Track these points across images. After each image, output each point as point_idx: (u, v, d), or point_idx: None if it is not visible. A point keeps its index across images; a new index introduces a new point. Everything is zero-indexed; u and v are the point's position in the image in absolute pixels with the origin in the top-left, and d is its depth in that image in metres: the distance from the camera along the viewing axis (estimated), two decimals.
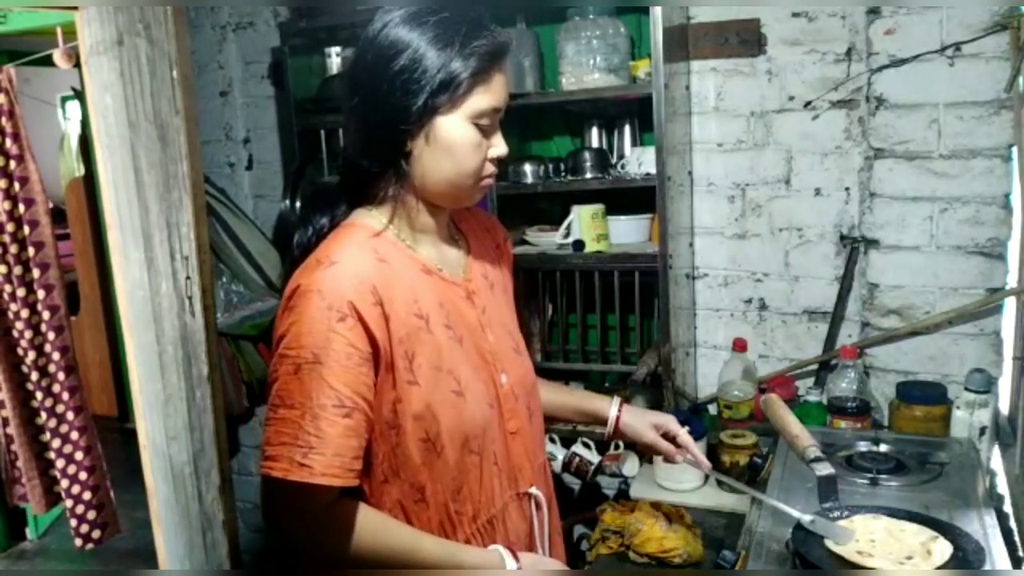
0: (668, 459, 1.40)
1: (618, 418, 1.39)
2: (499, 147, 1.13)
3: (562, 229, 2.19)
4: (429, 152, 1.09)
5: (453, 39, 1.06)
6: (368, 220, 1.15)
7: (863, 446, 1.68)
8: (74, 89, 4.18)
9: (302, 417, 1.01)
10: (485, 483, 1.16)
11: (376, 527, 1.07)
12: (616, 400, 1.42)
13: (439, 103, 1.06)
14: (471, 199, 1.17)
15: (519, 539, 1.23)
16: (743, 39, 2.11)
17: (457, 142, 1.09)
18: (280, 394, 1.03)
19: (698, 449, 1.40)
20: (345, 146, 1.19)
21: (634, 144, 2.26)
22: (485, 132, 1.10)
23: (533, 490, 1.25)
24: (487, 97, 1.08)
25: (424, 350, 1.10)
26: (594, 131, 2.31)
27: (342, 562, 1.07)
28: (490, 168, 1.13)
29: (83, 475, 2.55)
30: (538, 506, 1.26)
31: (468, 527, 1.16)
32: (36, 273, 2.45)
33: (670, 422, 1.39)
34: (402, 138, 1.08)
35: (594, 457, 2.25)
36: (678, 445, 1.39)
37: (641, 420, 1.39)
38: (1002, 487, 1.69)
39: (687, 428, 1.39)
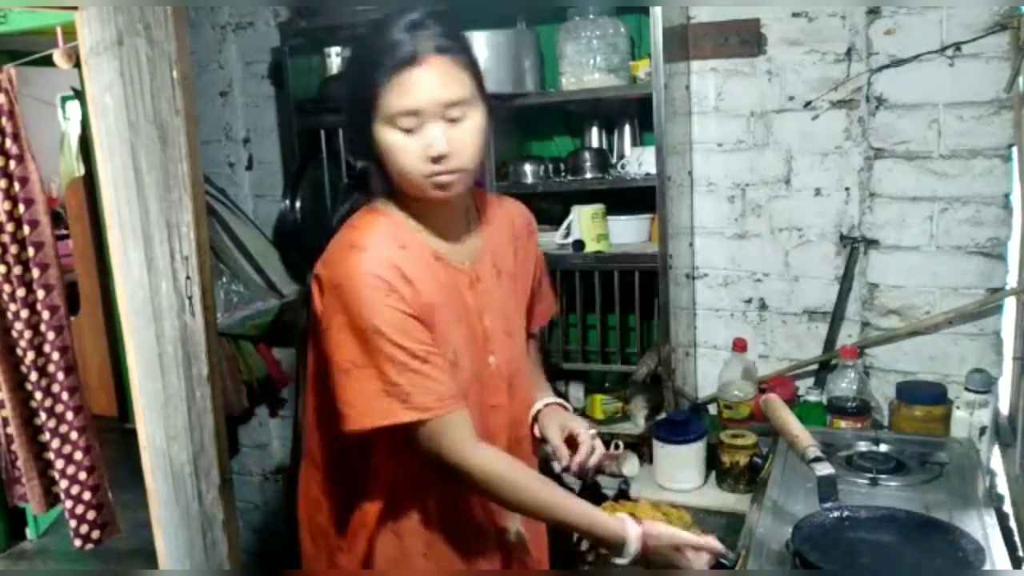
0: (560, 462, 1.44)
1: (538, 414, 1.46)
2: (432, 147, 1.16)
3: (562, 229, 2.19)
4: (382, 156, 1.20)
5: (364, 55, 1.18)
6: (388, 208, 1.27)
7: (863, 446, 1.68)
8: (74, 89, 4.18)
9: (384, 372, 1.15)
10: None
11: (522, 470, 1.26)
12: (545, 398, 1.48)
13: (368, 112, 1.17)
14: (431, 194, 1.21)
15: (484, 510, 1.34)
16: (743, 39, 2.11)
17: (386, 147, 1.18)
18: (351, 358, 1.17)
19: (587, 456, 1.42)
20: None
21: (634, 144, 2.26)
22: (409, 132, 1.16)
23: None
24: (399, 100, 1.14)
25: (435, 323, 1.22)
26: (594, 131, 2.31)
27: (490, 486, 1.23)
28: (431, 168, 1.17)
29: (82, 475, 2.55)
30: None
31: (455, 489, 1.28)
32: (36, 273, 2.45)
33: (577, 426, 1.43)
34: (360, 145, 1.22)
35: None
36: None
37: (553, 419, 1.44)
38: (1002, 487, 1.69)
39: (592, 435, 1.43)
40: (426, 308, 1.20)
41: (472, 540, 1.35)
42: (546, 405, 1.46)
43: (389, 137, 1.17)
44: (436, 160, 1.16)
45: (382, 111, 1.15)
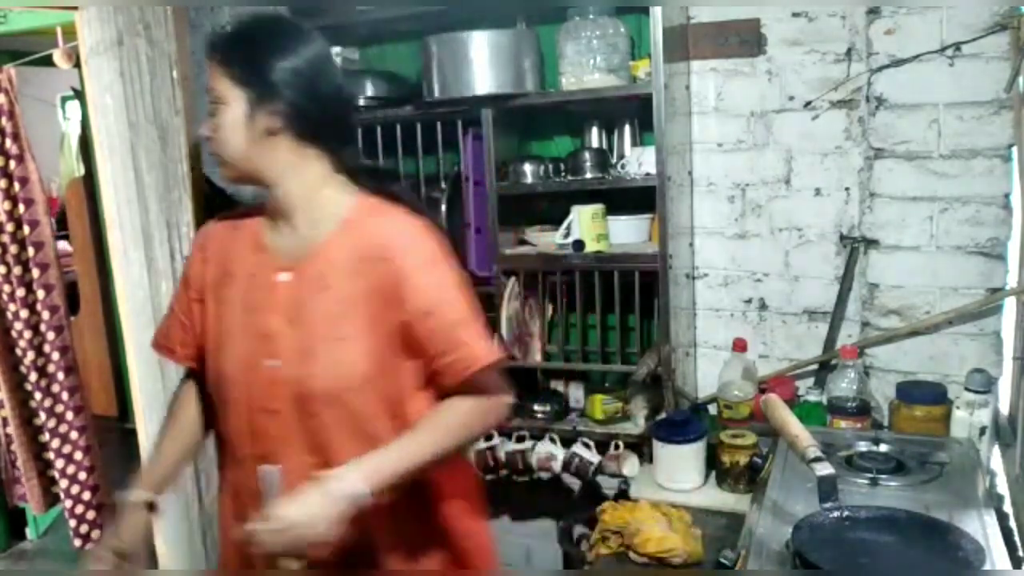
0: None
1: None
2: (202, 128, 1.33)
3: (562, 229, 2.19)
4: None
5: None
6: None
7: (863, 446, 1.68)
8: (74, 89, 4.17)
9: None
10: (232, 432, 1.34)
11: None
12: None
13: None
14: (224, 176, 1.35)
15: (253, 498, 1.30)
16: (743, 39, 2.11)
17: None
18: None
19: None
20: None
21: (634, 144, 2.26)
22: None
23: (268, 467, 1.27)
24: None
25: (222, 299, 1.35)
26: (594, 131, 2.30)
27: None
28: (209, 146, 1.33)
29: (82, 475, 2.56)
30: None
31: (235, 456, 1.36)
32: (36, 273, 2.45)
33: None
34: None
35: (594, 457, 2.25)
36: None
37: None
38: (1002, 487, 1.69)
39: None
40: (218, 281, 1.35)
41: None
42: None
43: None
44: (207, 139, 1.33)
45: None
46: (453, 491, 1.39)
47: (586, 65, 2.10)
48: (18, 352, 2.53)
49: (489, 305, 2.33)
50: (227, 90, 1.28)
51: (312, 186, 1.29)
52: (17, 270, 2.45)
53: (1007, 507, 1.60)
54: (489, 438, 2.40)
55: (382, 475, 1.20)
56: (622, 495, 1.85)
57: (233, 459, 1.36)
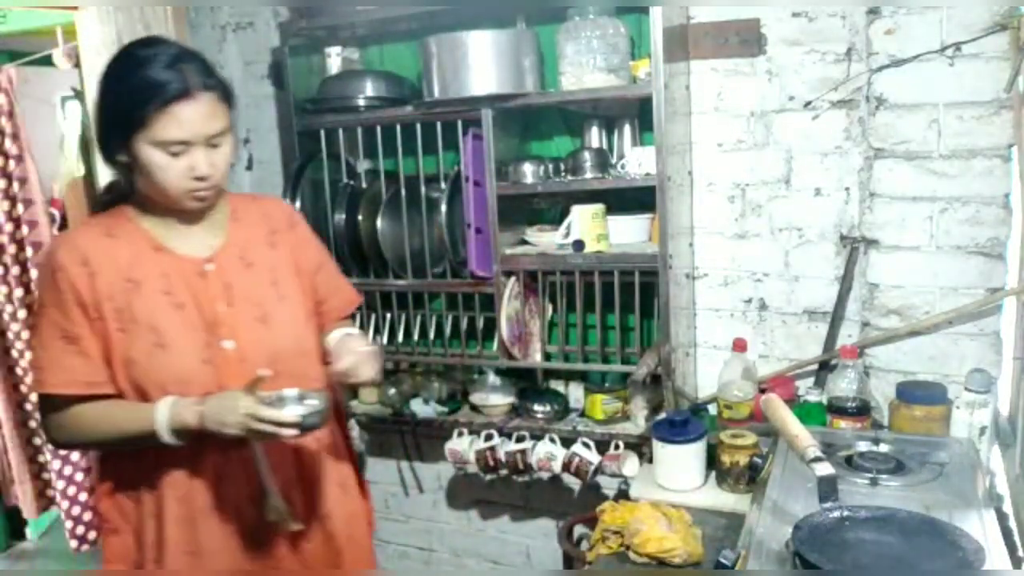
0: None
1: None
2: (197, 169, 1.33)
3: (562, 229, 2.19)
4: (135, 167, 1.35)
5: (140, 79, 1.29)
6: (120, 209, 1.43)
7: (863, 446, 1.68)
8: (74, 89, 4.17)
9: (36, 347, 1.37)
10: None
11: (79, 413, 1.37)
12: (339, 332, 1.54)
13: (128, 129, 1.30)
14: (187, 206, 1.39)
15: (229, 462, 1.41)
16: (743, 39, 2.11)
17: (147, 164, 1.32)
18: (30, 333, 1.47)
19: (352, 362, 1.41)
20: None
21: (634, 144, 2.26)
22: (178, 156, 1.31)
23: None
24: (168, 130, 1.29)
25: (132, 306, 1.36)
26: (594, 131, 2.30)
27: (79, 446, 1.49)
28: (194, 184, 1.35)
29: (79, 476, 2.55)
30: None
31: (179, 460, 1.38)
32: (35, 273, 2.45)
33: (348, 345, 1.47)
34: (110, 152, 1.36)
35: (594, 457, 2.25)
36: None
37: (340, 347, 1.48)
38: (1002, 487, 1.69)
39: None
40: (119, 291, 1.35)
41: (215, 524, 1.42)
42: (337, 340, 1.50)
43: (155, 157, 1.31)
44: (199, 179, 1.34)
45: (150, 135, 1.29)
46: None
47: (586, 65, 2.10)
48: (14, 354, 2.53)
49: (489, 305, 2.33)
50: (227, 118, 1.38)
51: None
52: (15, 270, 2.45)
53: (1007, 507, 1.60)
54: (489, 438, 2.40)
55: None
56: (622, 495, 1.85)
57: (204, 449, 1.38)
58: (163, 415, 1.32)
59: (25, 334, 2.48)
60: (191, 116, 1.31)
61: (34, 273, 2.44)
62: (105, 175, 2.10)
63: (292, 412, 1.33)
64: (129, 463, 1.42)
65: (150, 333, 1.36)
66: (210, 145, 1.34)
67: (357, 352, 1.42)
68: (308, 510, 1.50)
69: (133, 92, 1.30)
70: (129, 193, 1.43)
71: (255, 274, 1.47)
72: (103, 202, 1.47)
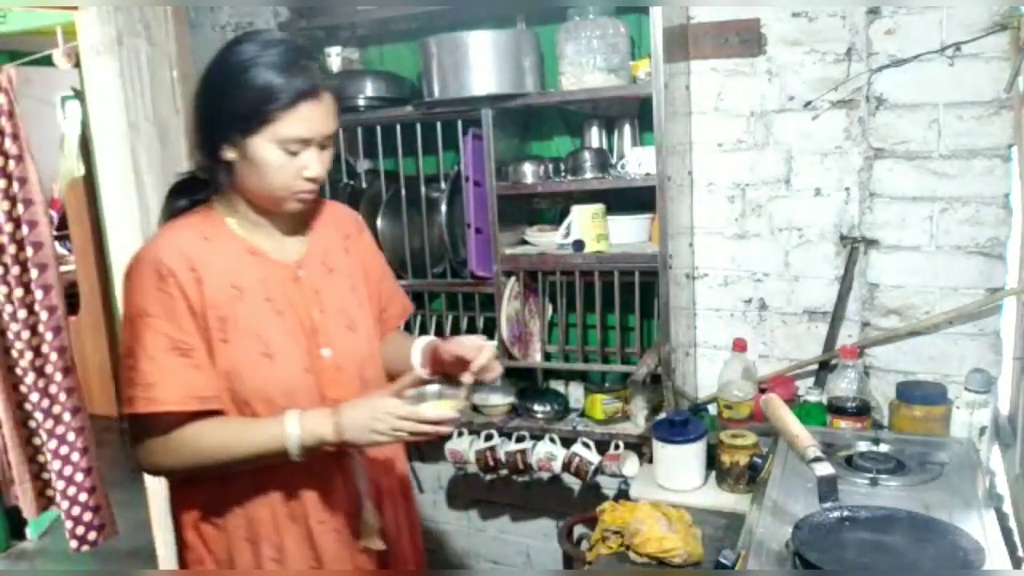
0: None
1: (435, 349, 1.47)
2: (311, 169, 1.29)
3: (562, 229, 2.19)
4: (244, 165, 1.28)
5: (267, 71, 1.23)
6: (207, 209, 1.36)
7: (863, 446, 1.68)
8: (74, 89, 4.18)
9: (137, 362, 1.23)
10: None
11: (197, 434, 1.27)
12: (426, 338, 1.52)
13: (249, 125, 1.24)
14: (288, 208, 1.33)
15: (334, 479, 1.37)
16: (743, 39, 2.11)
17: (262, 161, 1.26)
18: (124, 346, 1.27)
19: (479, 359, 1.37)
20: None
21: (634, 144, 2.26)
22: (295, 155, 1.27)
23: (354, 453, 1.38)
24: (295, 126, 1.25)
25: (236, 315, 1.29)
26: (594, 131, 2.30)
27: (189, 472, 1.30)
28: (304, 185, 1.30)
29: (79, 476, 2.55)
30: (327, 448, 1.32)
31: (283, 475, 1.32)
32: (34, 273, 2.45)
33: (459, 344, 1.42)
34: (216, 150, 1.28)
35: (594, 457, 2.25)
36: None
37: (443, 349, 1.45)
38: (1002, 487, 1.69)
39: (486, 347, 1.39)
40: (223, 298, 1.28)
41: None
42: (423, 347, 1.49)
43: (272, 156, 1.26)
44: (310, 180, 1.30)
45: (274, 133, 1.24)
46: None
47: (586, 65, 2.10)
48: (15, 353, 2.52)
49: (489, 305, 2.33)
50: (338, 119, 1.34)
51: None
52: (15, 270, 2.45)
53: (1007, 507, 1.60)
54: (489, 438, 2.40)
55: None
56: (622, 495, 1.84)
57: (309, 464, 1.31)
58: (294, 430, 1.25)
59: (26, 334, 2.48)
60: (316, 115, 1.27)
61: (34, 273, 2.44)
62: (106, 175, 2.11)
63: (449, 408, 1.29)
64: (218, 487, 1.33)
65: (256, 342, 1.29)
66: (321, 146, 1.30)
67: (487, 347, 1.38)
68: (390, 522, 1.47)
69: (261, 88, 1.23)
70: (197, 194, 1.36)
71: (337, 280, 1.43)
72: (178, 207, 1.38)
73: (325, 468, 1.35)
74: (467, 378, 1.35)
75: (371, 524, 1.39)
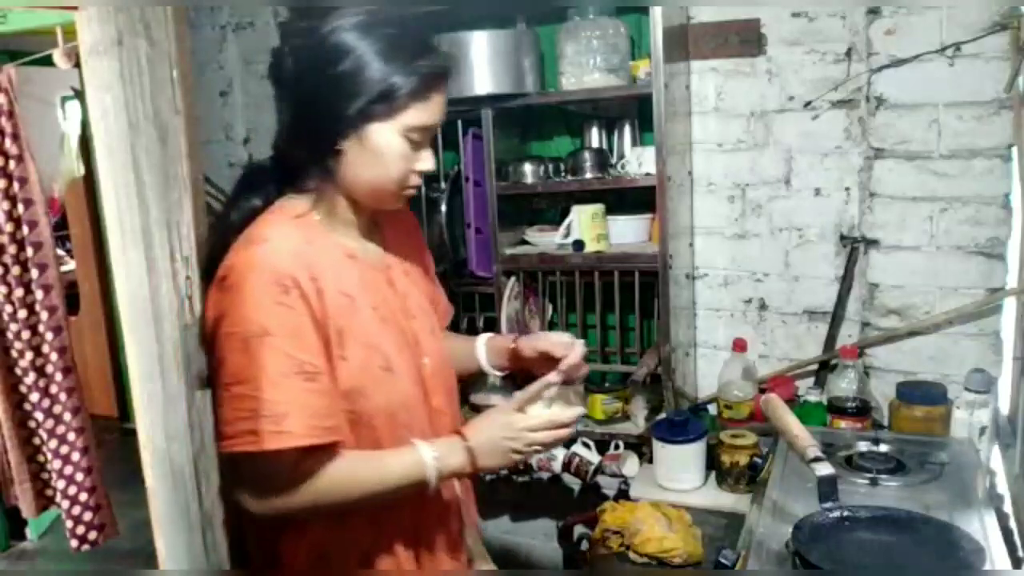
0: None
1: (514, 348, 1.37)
2: (426, 162, 1.18)
3: (562, 229, 2.19)
4: (358, 154, 1.14)
5: (399, 54, 1.11)
6: (292, 206, 1.20)
7: (863, 446, 1.68)
8: (74, 89, 4.18)
9: (259, 390, 1.05)
10: None
11: (335, 470, 1.11)
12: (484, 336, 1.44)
13: (375, 112, 1.11)
14: (392, 204, 1.22)
15: (447, 508, 1.29)
16: (743, 39, 2.11)
17: (386, 151, 1.14)
18: (231, 372, 1.08)
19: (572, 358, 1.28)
20: (277, 133, 1.22)
21: (634, 144, 2.26)
22: (416, 145, 1.16)
23: None
24: (422, 114, 1.13)
25: (352, 327, 1.15)
26: (594, 131, 2.31)
27: (311, 513, 1.15)
28: (415, 179, 1.19)
29: (80, 476, 2.55)
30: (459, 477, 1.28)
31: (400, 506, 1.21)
32: (35, 273, 2.44)
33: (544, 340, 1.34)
34: (333, 137, 1.13)
35: (594, 457, 2.25)
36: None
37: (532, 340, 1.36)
38: (1002, 487, 1.69)
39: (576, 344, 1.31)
40: (339, 308, 1.14)
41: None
42: (488, 345, 1.41)
43: (396, 145, 1.14)
44: (420, 174, 1.19)
45: (404, 120, 1.12)
46: None
47: (586, 65, 2.10)
48: (14, 353, 2.52)
49: (489, 305, 2.33)
50: None
51: None
52: (16, 270, 2.45)
53: (1007, 507, 1.60)
54: None
55: None
56: (622, 495, 1.84)
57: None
58: (430, 459, 1.14)
59: (26, 333, 2.47)
60: (442, 102, 1.16)
61: (34, 273, 2.44)
62: (106, 175, 2.10)
63: (572, 407, 1.23)
64: (332, 523, 1.18)
65: (375, 355, 1.16)
66: (432, 140, 1.20)
67: (579, 344, 1.30)
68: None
69: (395, 72, 1.10)
70: (266, 189, 1.23)
71: (413, 282, 1.33)
72: (253, 206, 1.22)
73: (438, 496, 1.24)
74: (554, 377, 1.25)
75: (475, 549, 1.35)
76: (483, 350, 1.41)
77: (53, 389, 2.50)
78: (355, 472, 1.13)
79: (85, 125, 4.15)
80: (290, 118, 1.18)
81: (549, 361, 1.30)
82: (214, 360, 1.12)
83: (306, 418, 1.06)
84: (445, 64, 1.15)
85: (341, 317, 1.13)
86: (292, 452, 1.07)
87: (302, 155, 1.17)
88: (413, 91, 1.11)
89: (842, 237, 2.10)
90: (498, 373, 1.41)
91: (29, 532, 3.37)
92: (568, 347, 1.29)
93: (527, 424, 1.17)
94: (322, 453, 1.10)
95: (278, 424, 1.05)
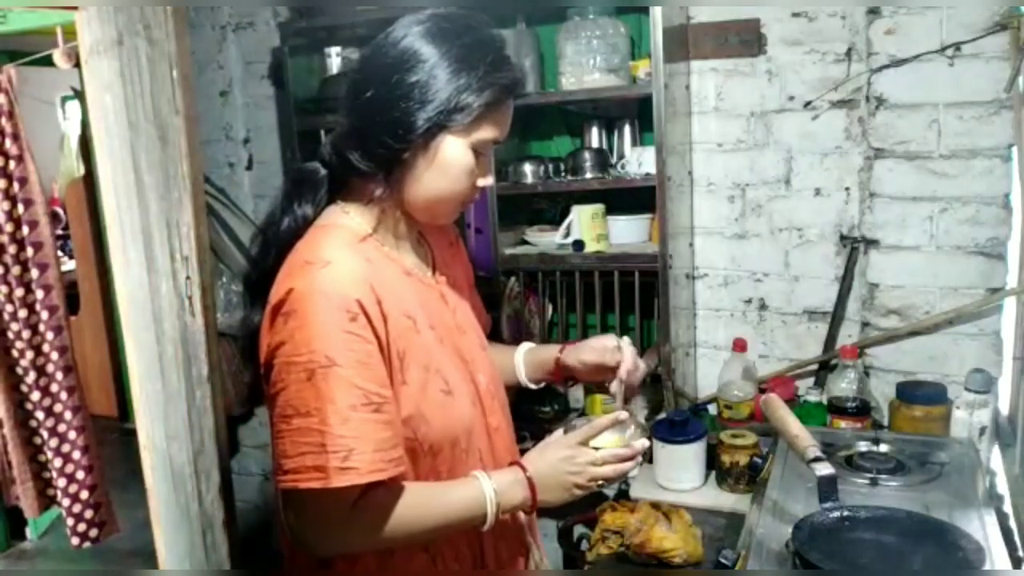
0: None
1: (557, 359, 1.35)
2: (487, 178, 1.15)
3: (562, 229, 2.19)
4: (425, 166, 1.10)
5: (475, 66, 1.07)
6: (346, 220, 1.14)
7: (863, 446, 1.68)
8: (74, 89, 4.18)
9: (325, 423, 0.99)
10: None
11: (399, 506, 1.06)
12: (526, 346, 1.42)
13: (450, 124, 1.07)
14: (447, 218, 1.19)
15: (508, 529, 1.24)
16: (743, 39, 2.11)
17: (455, 164, 1.10)
18: (293, 403, 1.01)
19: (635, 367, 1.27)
20: (338, 138, 1.16)
21: (634, 144, 2.26)
22: (480, 159, 1.13)
23: None
24: (493, 129, 1.11)
25: (413, 350, 1.10)
26: (594, 131, 2.31)
27: (371, 547, 1.10)
28: (475, 194, 1.15)
29: (80, 474, 2.55)
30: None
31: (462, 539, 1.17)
32: (35, 273, 2.44)
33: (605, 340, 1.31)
34: (402, 147, 1.08)
35: None
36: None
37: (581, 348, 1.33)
38: (1002, 487, 1.69)
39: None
40: (402, 331, 1.09)
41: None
42: (526, 358, 1.38)
43: (465, 157, 1.10)
44: (480, 189, 1.16)
45: (474, 131, 1.09)
46: None
47: (586, 65, 2.11)
48: (15, 353, 2.52)
49: (489, 305, 2.33)
50: None
51: None
52: (16, 270, 2.45)
53: (1007, 507, 1.60)
54: None
55: None
56: (622, 495, 1.84)
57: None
58: (491, 493, 1.09)
59: (27, 333, 2.47)
60: (510, 115, 1.14)
61: (35, 273, 2.44)
62: (106, 175, 2.10)
63: (639, 442, 1.18)
64: (389, 554, 1.13)
65: (436, 379, 1.11)
66: (484, 154, 1.15)
67: (626, 344, 1.26)
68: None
69: (475, 83, 1.06)
70: (315, 197, 1.16)
71: (460, 295, 1.28)
72: (305, 214, 1.15)
73: (503, 523, 1.18)
74: (615, 386, 1.22)
75: (540, 563, 1.33)
76: (522, 365, 1.38)
77: (54, 388, 2.51)
78: (418, 507, 1.07)
79: (85, 125, 4.15)
80: (358, 124, 1.11)
81: (601, 370, 1.28)
82: (271, 388, 1.05)
83: (371, 452, 1.00)
84: (519, 77, 1.12)
85: (403, 340, 1.09)
86: (356, 488, 1.01)
87: (363, 163, 1.10)
88: (488, 105, 1.08)
89: (842, 237, 2.10)
90: (535, 387, 1.38)
91: (29, 532, 3.37)
92: (616, 352, 1.26)
93: (591, 458, 1.13)
94: (384, 487, 1.04)
95: (344, 460, 0.99)
